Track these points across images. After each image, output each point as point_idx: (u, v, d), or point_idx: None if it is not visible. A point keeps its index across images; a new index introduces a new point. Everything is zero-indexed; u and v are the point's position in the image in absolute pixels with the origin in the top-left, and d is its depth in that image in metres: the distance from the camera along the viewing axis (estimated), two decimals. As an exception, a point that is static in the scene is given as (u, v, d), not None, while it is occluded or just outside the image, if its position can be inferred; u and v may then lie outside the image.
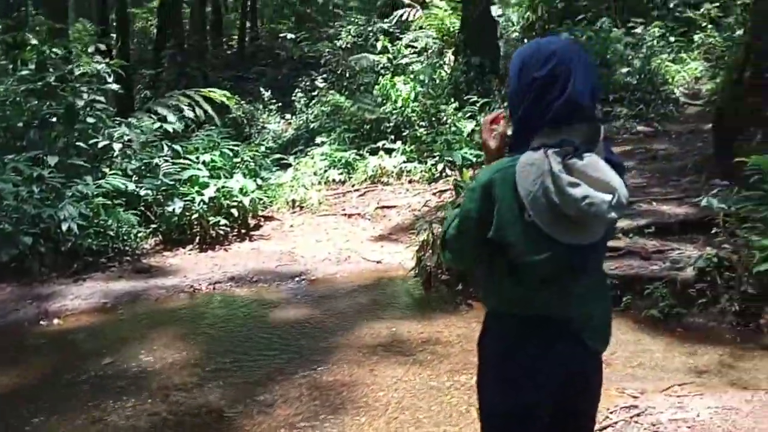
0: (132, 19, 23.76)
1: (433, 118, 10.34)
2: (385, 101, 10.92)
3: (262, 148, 10.33)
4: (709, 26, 13.49)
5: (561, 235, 1.62)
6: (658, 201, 6.87)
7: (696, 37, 13.60)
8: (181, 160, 8.14)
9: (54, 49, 8.23)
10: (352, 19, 17.24)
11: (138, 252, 7.31)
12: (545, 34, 14.44)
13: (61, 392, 4.20)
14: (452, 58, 12.97)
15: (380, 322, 5.18)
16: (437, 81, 11.65)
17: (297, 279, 6.46)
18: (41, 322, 5.53)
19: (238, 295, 6.16)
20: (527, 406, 1.73)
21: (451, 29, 13.84)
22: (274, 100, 15.48)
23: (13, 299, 5.99)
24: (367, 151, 10.29)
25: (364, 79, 13.27)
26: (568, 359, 1.73)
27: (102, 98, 8.15)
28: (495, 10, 14.70)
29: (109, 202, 7.19)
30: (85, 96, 7.88)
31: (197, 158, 8.22)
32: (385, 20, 16.45)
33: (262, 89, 16.15)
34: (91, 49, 8.58)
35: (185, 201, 7.50)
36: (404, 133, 10.46)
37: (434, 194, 6.92)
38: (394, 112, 10.72)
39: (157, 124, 8.74)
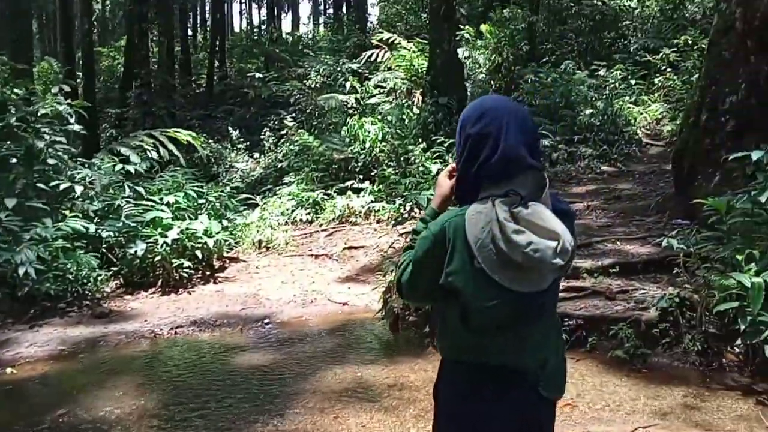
0: (98, 58, 23.68)
1: (401, 159, 10.41)
2: (353, 141, 10.99)
3: (228, 189, 10.25)
4: (668, 70, 13.95)
5: (509, 282, 1.65)
6: (623, 241, 6.95)
7: (656, 80, 14.04)
8: (144, 202, 8.07)
9: (16, 90, 8.12)
10: (322, 59, 17.44)
11: (98, 296, 7.16)
12: (510, 76, 14.81)
13: (11, 447, 4.01)
14: (420, 98, 13.15)
15: (346, 366, 5.09)
16: (405, 121, 11.78)
17: (261, 322, 6.36)
18: (-6, 372, 5.31)
19: (200, 339, 6.02)
20: None
21: (420, 70, 14.06)
22: (242, 139, 15.49)
23: (-35, 347, 5.76)
24: (335, 191, 10.29)
25: (333, 118, 13.37)
26: (522, 406, 1.74)
27: (63, 139, 8.03)
28: (462, 52, 15.02)
29: (68, 245, 7.05)
30: (46, 137, 7.76)
31: (161, 199, 8.15)
32: (354, 61, 16.67)
33: (230, 128, 16.17)
34: (55, 90, 8.48)
35: (148, 243, 7.39)
36: (372, 173, 10.50)
37: (401, 235, 6.91)
38: (362, 152, 10.78)
39: (120, 165, 8.62)
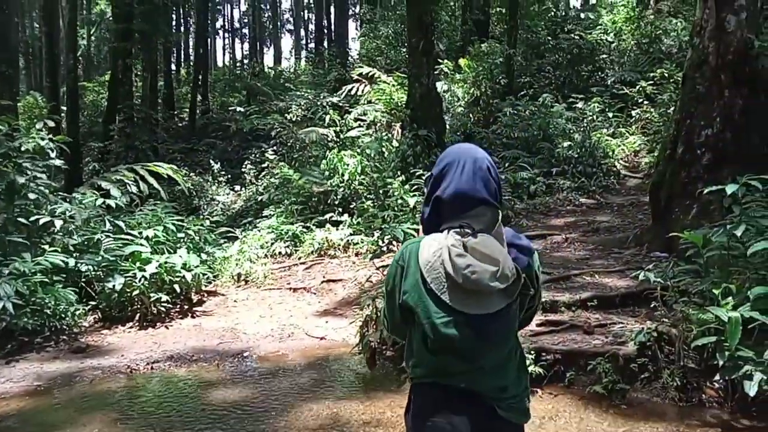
0: (83, 93, 23.71)
1: (380, 191, 10.43)
2: (332, 174, 11.01)
3: (208, 222, 10.20)
4: (645, 102, 14.22)
5: (458, 304, 1.81)
6: (601, 273, 6.97)
7: (633, 113, 14.30)
8: (124, 236, 8.01)
9: None
10: (303, 93, 17.57)
11: (75, 330, 7.08)
12: (489, 109, 15.01)
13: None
14: (400, 131, 13.25)
15: (321, 402, 5.03)
16: (385, 154, 11.84)
17: (238, 357, 6.28)
18: (-34, 409, 5.17)
19: (176, 375, 5.93)
20: None
21: (399, 103, 14.21)
22: (223, 172, 15.48)
23: (-62, 384, 5.62)
24: (314, 224, 10.28)
25: (313, 151, 13.41)
26: (480, 423, 1.85)
27: (44, 174, 8.00)
28: (441, 86, 15.22)
29: (47, 280, 6.97)
30: (27, 172, 7.73)
31: (140, 233, 8.12)
32: (335, 94, 16.82)
33: (212, 161, 16.16)
34: (39, 125, 8.48)
35: (126, 277, 7.33)
36: (351, 206, 10.51)
37: (378, 268, 6.88)
38: (341, 184, 10.81)
39: (101, 200, 8.58)
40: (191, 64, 31.91)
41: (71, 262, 7.29)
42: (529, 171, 11.61)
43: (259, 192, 13.25)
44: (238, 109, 18.24)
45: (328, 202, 10.89)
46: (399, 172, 10.98)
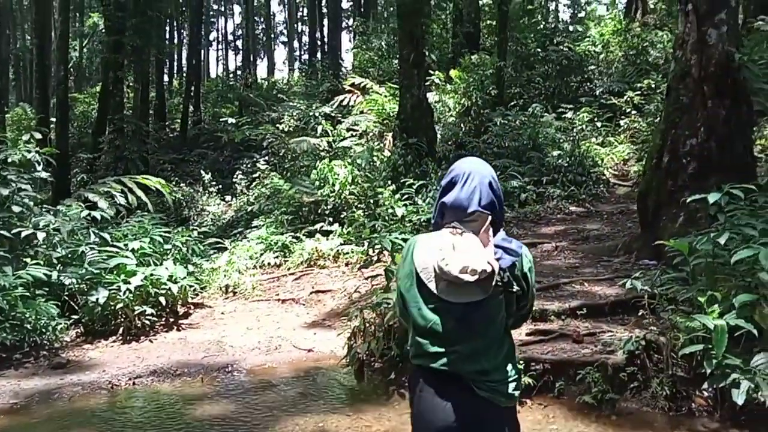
0: (74, 104, 23.65)
1: (371, 201, 10.39)
2: (323, 184, 10.97)
3: (195, 233, 10.11)
4: (633, 112, 14.29)
5: (441, 292, 2.09)
6: (590, 282, 6.94)
7: (622, 122, 14.37)
8: (109, 248, 7.92)
9: (-14, 138, 8.06)
10: (295, 103, 17.57)
11: (56, 345, 6.97)
12: (479, 119, 15.03)
13: None
14: (391, 141, 13.25)
15: (308, 416, 4.94)
16: (376, 164, 11.82)
17: (223, 371, 6.18)
18: (-60, 428, 5.06)
19: (159, 390, 5.82)
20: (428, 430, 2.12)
21: (391, 114, 14.23)
22: (214, 183, 15.42)
23: None
24: (304, 234, 10.22)
25: (305, 161, 13.39)
26: (461, 405, 2.09)
27: (29, 186, 7.93)
28: (432, 97, 15.26)
29: (28, 293, 6.87)
30: (12, 184, 7.66)
31: (125, 245, 8.01)
32: (327, 105, 16.82)
33: (202, 171, 16.10)
34: (26, 137, 8.43)
35: (110, 290, 7.23)
36: (342, 216, 10.46)
37: (367, 278, 6.82)
38: (331, 194, 10.76)
39: (86, 212, 8.51)
40: (184, 75, 31.90)
41: (54, 275, 7.22)
42: (519, 180, 11.61)
43: (249, 202, 13.20)
44: (230, 119, 18.20)
45: (319, 212, 10.84)
46: (390, 182, 10.96)
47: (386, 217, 9.52)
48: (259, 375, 6.09)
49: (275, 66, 53.62)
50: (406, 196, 10.18)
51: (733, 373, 4.10)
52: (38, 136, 8.80)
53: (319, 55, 31.35)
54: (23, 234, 7.41)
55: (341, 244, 9.59)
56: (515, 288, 2.13)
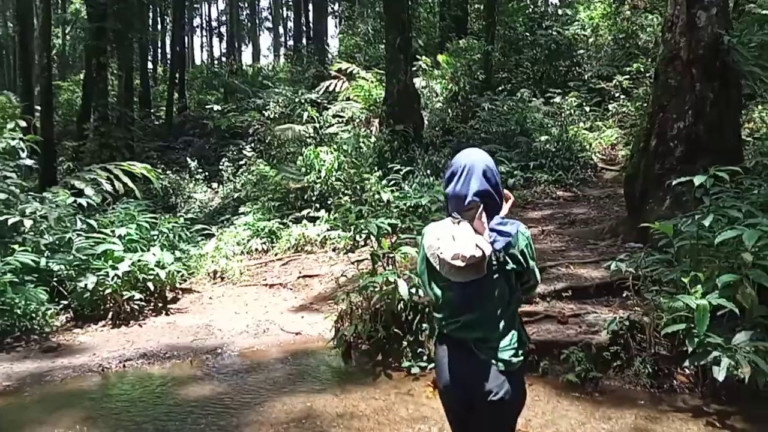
0: (58, 92, 23.37)
1: (357, 187, 10.40)
2: (309, 170, 10.96)
3: (182, 219, 10.08)
4: (622, 96, 14.33)
5: (446, 273, 2.37)
6: (576, 265, 7.01)
7: (610, 107, 14.39)
8: (96, 234, 7.90)
9: (-31, 127, 7.99)
10: (281, 90, 17.47)
11: (47, 330, 6.97)
12: (467, 104, 15.03)
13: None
14: (378, 127, 13.23)
15: (295, 396, 4.99)
16: (363, 150, 11.80)
17: (212, 354, 6.21)
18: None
19: (149, 372, 5.85)
20: (445, 384, 2.52)
21: (378, 100, 14.19)
22: (200, 170, 15.34)
23: None
24: (291, 220, 10.21)
25: (291, 148, 13.34)
26: (465, 364, 2.46)
27: (14, 174, 7.88)
28: (419, 82, 15.21)
29: (17, 279, 6.85)
30: (-3, 172, 7.64)
31: (112, 232, 8.00)
32: (313, 91, 16.74)
33: (188, 159, 16.00)
34: (11, 125, 8.36)
35: (98, 276, 7.23)
36: (329, 202, 10.46)
37: (353, 263, 6.85)
38: (318, 180, 10.76)
39: (72, 198, 8.47)
40: (168, 62, 31.57)
41: (42, 261, 7.20)
42: (507, 165, 11.65)
43: (236, 189, 13.16)
44: (216, 107, 18.08)
45: (305, 198, 10.84)
46: (376, 168, 10.97)
47: (373, 203, 9.54)
48: (247, 357, 6.13)
49: (260, 52, 53.19)
50: (393, 182, 10.20)
51: (714, 351, 4.19)
52: (23, 124, 8.75)
53: (304, 40, 31.09)
54: (10, 221, 7.38)
55: (328, 230, 9.61)
56: (510, 265, 2.40)
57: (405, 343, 5.53)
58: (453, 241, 2.33)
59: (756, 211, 5.02)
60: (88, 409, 5.00)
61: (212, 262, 9.09)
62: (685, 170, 6.38)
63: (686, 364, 4.56)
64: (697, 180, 5.23)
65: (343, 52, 22.78)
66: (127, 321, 7.28)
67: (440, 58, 16.14)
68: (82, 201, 8.55)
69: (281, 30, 53.11)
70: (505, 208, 2.56)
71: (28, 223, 7.47)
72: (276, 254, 9.57)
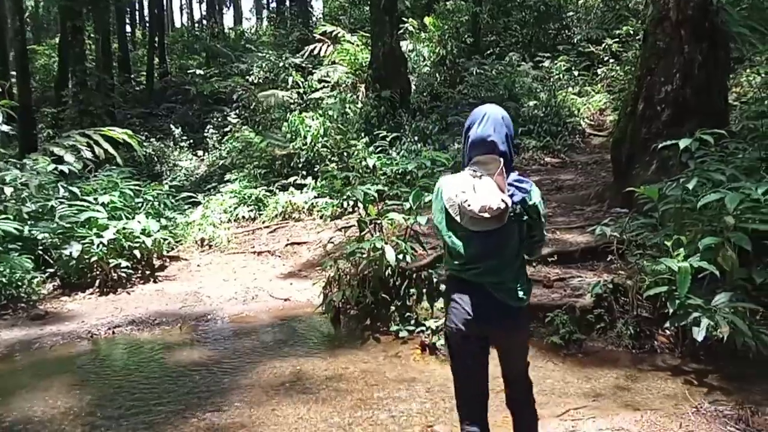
0: (34, 57, 22.81)
1: (344, 153, 10.35)
2: (294, 137, 10.87)
3: (167, 187, 10.01)
4: (611, 60, 14.25)
5: (465, 223, 2.57)
6: (562, 230, 7.08)
7: (599, 71, 14.32)
8: (79, 202, 7.83)
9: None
10: (264, 54, 17.19)
11: (34, 298, 6.97)
12: (455, 68, 14.91)
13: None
14: (365, 92, 13.10)
15: (285, 360, 5.05)
16: (349, 115, 11.71)
17: (201, 320, 6.25)
18: None
19: (138, 339, 5.88)
20: (464, 323, 2.69)
21: (364, 64, 14.01)
22: (185, 137, 15.15)
23: None
24: (278, 187, 10.17)
25: (276, 114, 13.19)
26: (484, 303, 2.66)
27: (-10, 141, 7.77)
28: (406, 45, 15.03)
29: (1, 248, 6.80)
30: (-27, 140, 7.51)
31: (95, 199, 7.93)
32: (297, 55, 16.49)
33: (172, 126, 15.79)
34: (-16, 91, 8.19)
35: (83, 244, 7.19)
36: (316, 169, 10.41)
37: (339, 229, 6.88)
38: (304, 147, 10.68)
39: (53, 166, 8.36)
40: (147, 25, 30.88)
41: (25, 229, 7.16)
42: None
43: (221, 156, 13.05)
44: (198, 71, 17.78)
45: (292, 165, 10.78)
46: (363, 134, 10.90)
47: (359, 170, 9.51)
48: (236, 323, 6.18)
49: (242, 15, 52.15)
50: (379, 148, 10.14)
51: (694, 312, 4.27)
52: (-2, 89, 8.56)
53: (287, 2, 30.44)
54: (-11, 189, 7.29)
55: (315, 197, 9.59)
56: (525, 217, 2.64)
57: (393, 308, 5.60)
58: (475, 193, 2.52)
59: (740, 175, 5.08)
60: (78, 375, 5.03)
61: (199, 230, 9.07)
62: (671, 134, 6.38)
63: (667, 325, 4.66)
64: (682, 143, 5.26)
65: (327, 14, 22.42)
66: (114, 289, 7.29)
67: (427, 20, 15.93)
68: (63, 168, 8.44)
69: (263, -9, 52.02)
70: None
71: (8, 190, 7.39)
72: (263, 222, 9.56)
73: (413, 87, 13.79)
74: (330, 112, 11.54)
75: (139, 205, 8.67)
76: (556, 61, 14.14)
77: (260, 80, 15.37)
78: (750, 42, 12.07)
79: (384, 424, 3.82)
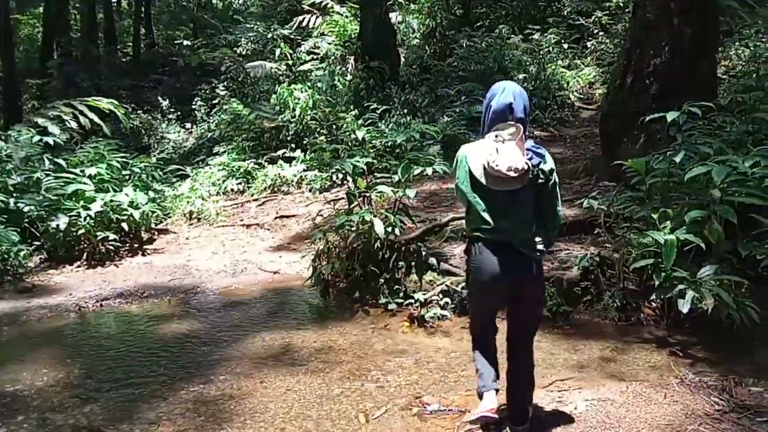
0: (17, 26, 22.36)
1: (333, 126, 10.28)
2: (283, 109, 10.77)
3: (154, 159, 9.93)
4: (601, 33, 14.16)
5: (490, 184, 2.91)
6: (550, 204, 7.05)
7: (589, 44, 14.23)
8: (65, 174, 7.76)
9: None
10: (252, 25, 16.94)
11: (21, 271, 6.94)
12: (445, 41, 14.77)
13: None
14: (354, 64, 12.97)
15: (274, 332, 5.07)
16: (338, 87, 11.60)
17: (190, 292, 6.25)
18: None
19: (127, 311, 5.89)
20: (493, 276, 2.99)
21: (353, 36, 13.84)
22: (173, 109, 14.97)
23: None
24: (266, 160, 10.11)
25: (264, 86, 13.05)
26: (507, 258, 2.97)
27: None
28: (395, 17, 14.85)
29: (-14, 221, 6.74)
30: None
31: (82, 171, 7.86)
32: (286, 27, 16.26)
33: (160, 98, 15.59)
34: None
35: (70, 216, 7.15)
36: (305, 142, 10.35)
37: (329, 202, 6.87)
38: (293, 120, 10.59)
39: (38, 137, 8.26)
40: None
41: (11, 202, 7.10)
42: (483, 104, 11.54)
43: (210, 129, 12.92)
44: (185, 42, 17.51)
45: (281, 137, 10.69)
46: (352, 107, 10.82)
47: (348, 142, 9.46)
48: (226, 296, 6.18)
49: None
50: (369, 121, 10.08)
51: (680, 284, 4.31)
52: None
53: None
54: (-26, 160, 7.22)
55: (304, 170, 9.55)
56: (540, 179, 2.96)
57: (382, 281, 5.61)
58: (499, 155, 2.82)
59: (727, 149, 5.09)
60: (67, 347, 5.03)
61: (188, 203, 9.03)
62: (660, 108, 6.36)
63: (653, 297, 4.71)
64: (670, 116, 5.27)
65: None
66: (102, 261, 7.27)
67: (417, -9, 15.74)
68: (49, 140, 8.35)
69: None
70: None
71: (-8, 162, 7.32)
72: (252, 195, 9.52)
73: (402, 59, 13.65)
74: (319, 85, 11.43)
75: (127, 177, 8.60)
76: (545, 34, 14.03)
77: (248, 52, 15.17)
78: (739, 15, 12.03)
79: (373, 395, 3.85)
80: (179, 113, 15.16)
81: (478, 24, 14.68)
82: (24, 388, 4.21)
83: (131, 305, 6.00)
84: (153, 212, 8.14)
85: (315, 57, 14.03)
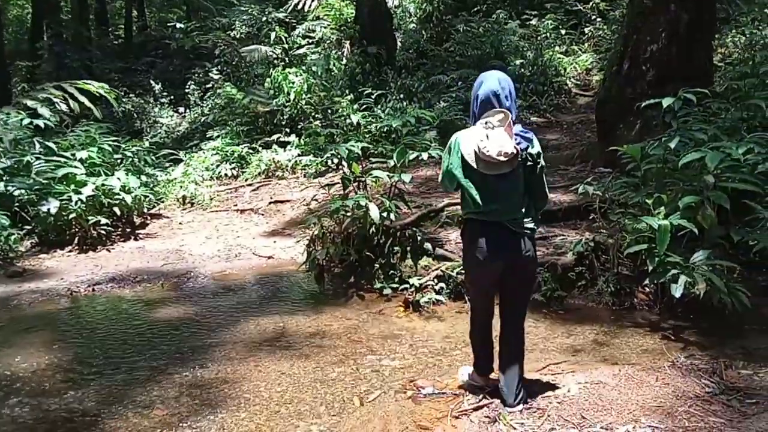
0: (5, 7, 22.04)
1: (328, 111, 10.22)
2: (277, 93, 10.69)
3: (147, 143, 9.86)
4: (598, 19, 14.09)
5: (481, 168, 3.04)
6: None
7: (586, 30, 14.15)
8: (56, 158, 7.69)
9: None
10: (247, 8, 16.75)
11: (11, 255, 6.90)
12: (442, 26, 14.64)
13: None
14: (350, 49, 12.87)
15: (268, 317, 5.06)
16: (334, 72, 11.52)
17: (183, 277, 6.23)
18: None
19: (119, 296, 5.86)
20: (490, 254, 3.12)
21: (349, 19, 13.71)
22: (165, 93, 14.83)
23: None
24: (260, 145, 10.05)
25: (258, 70, 12.94)
26: (500, 236, 3.12)
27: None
28: (392, 1, 14.72)
29: (-25, 205, 6.69)
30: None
31: (73, 155, 7.79)
32: (281, 9, 16.10)
33: (152, 81, 15.44)
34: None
35: (61, 200, 7.09)
36: (299, 126, 10.28)
37: (323, 187, 6.83)
38: (287, 104, 10.52)
39: (28, 120, 8.17)
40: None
41: (1, 185, 7.06)
42: (481, 89, 11.46)
43: (203, 113, 12.82)
44: (178, 25, 17.29)
45: (275, 122, 10.62)
46: (347, 91, 10.75)
47: (344, 127, 9.41)
48: (219, 280, 6.16)
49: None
50: (364, 105, 10.02)
51: (673, 269, 4.32)
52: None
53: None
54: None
55: (299, 155, 9.50)
56: (528, 162, 3.08)
57: (377, 266, 5.61)
58: (490, 140, 2.95)
59: (721, 135, 5.09)
60: (59, 331, 5.01)
61: (181, 187, 8.97)
62: (656, 94, 6.35)
63: (646, 282, 4.72)
64: (665, 102, 5.26)
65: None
66: (94, 246, 7.23)
67: (414, -26, 15.57)
68: (39, 123, 8.26)
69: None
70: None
71: (-19, 146, 7.25)
72: (246, 180, 9.47)
73: (399, 44, 13.56)
74: (314, 69, 11.35)
75: (119, 161, 8.53)
76: (543, 20, 13.94)
77: (243, 35, 15.02)
78: (736, 2, 11.99)
79: (367, 379, 3.86)
80: (172, 97, 15.03)
81: (476, 9, 14.56)
82: (16, 373, 4.20)
83: (124, 290, 5.98)
84: (145, 197, 8.09)
85: (310, 41, 13.91)
